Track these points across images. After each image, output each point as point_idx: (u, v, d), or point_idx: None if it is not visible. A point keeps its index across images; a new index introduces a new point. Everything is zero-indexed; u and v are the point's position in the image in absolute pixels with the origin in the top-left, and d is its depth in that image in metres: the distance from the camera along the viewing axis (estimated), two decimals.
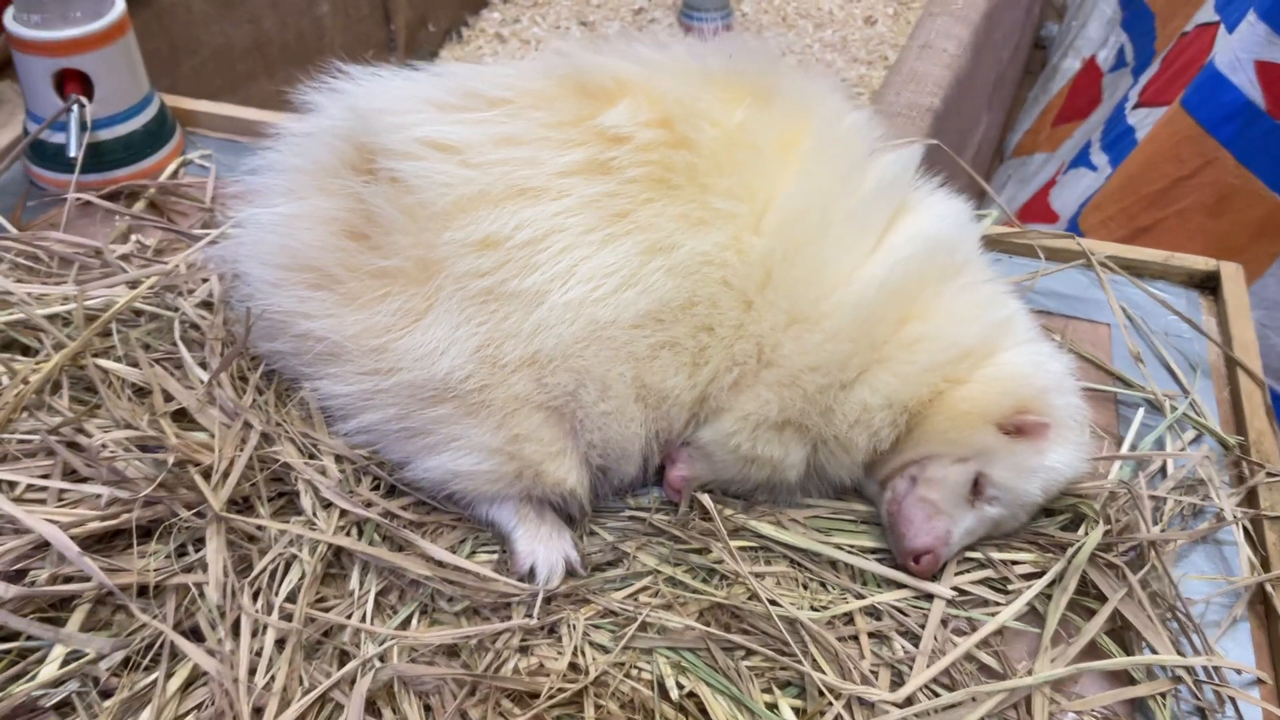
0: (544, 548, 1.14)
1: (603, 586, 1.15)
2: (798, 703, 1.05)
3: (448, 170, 1.10)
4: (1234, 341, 1.46)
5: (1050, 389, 1.18)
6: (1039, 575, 1.16)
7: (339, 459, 1.19)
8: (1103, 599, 1.12)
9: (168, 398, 1.20)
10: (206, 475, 1.11)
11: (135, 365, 1.24)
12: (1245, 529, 1.23)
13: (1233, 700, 1.06)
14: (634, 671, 1.07)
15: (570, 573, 1.15)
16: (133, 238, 1.54)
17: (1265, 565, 1.19)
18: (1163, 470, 1.30)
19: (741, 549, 1.19)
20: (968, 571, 1.18)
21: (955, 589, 1.15)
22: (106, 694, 1.01)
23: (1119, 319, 1.49)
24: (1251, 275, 2.12)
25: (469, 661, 1.07)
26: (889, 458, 1.19)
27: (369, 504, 1.16)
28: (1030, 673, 1.06)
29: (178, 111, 1.80)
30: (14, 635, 1.03)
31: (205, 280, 1.38)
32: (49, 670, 1.01)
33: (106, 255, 1.40)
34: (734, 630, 1.11)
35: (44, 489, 1.13)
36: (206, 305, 1.35)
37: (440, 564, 1.12)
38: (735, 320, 1.13)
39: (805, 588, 1.16)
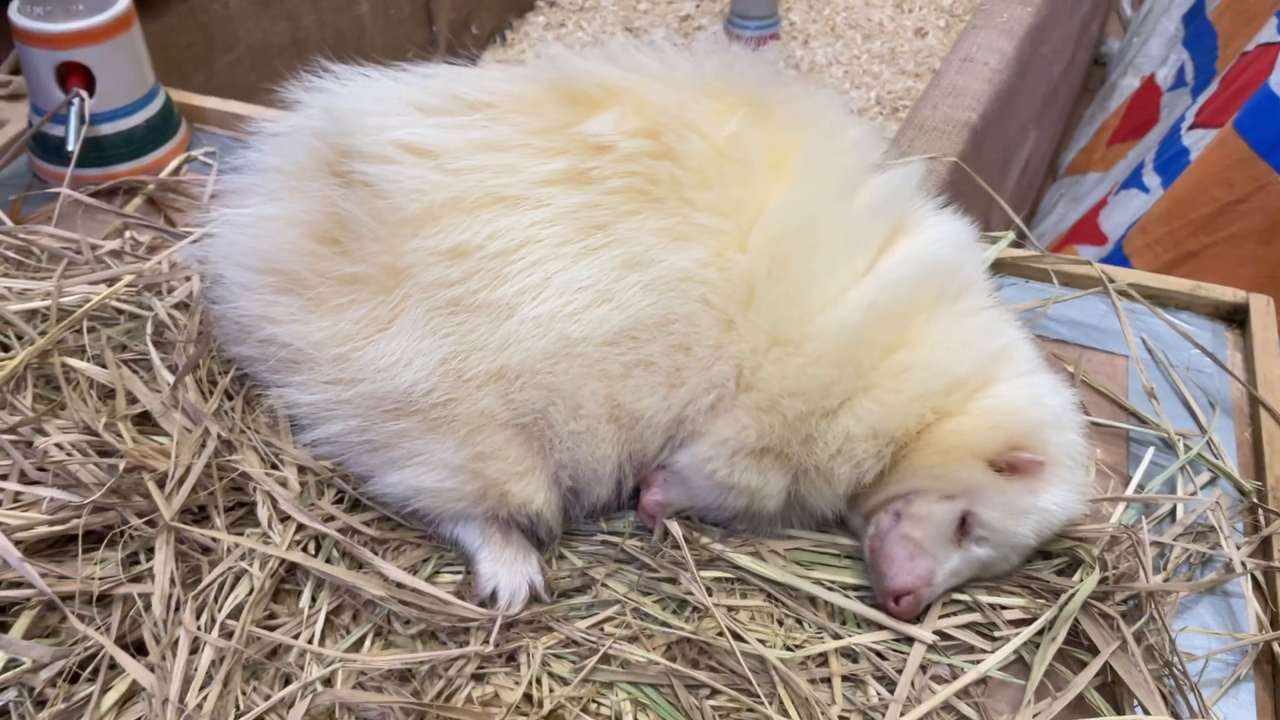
0: (508, 571, 1.10)
1: (568, 614, 1.10)
2: None
3: (421, 175, 1.06)
4: (1259, 379, 1.38)
5: (1047, 424, 1.11)
6: (1029, 622, 1.10)
7: (302, 470, 1.15)
8: (1094, 651, 1.06)
9: (133, 400, 1.17)
10: (162, 482, 1.08)
11: (104, 365, 1.21)
12: (1256, 581, 1.15)
13: None
14: (591, 706, 1.03)
15: (534, 598, 1.10)
16: (127, 234, 1.51)
17: (1275, 622, 1.11)
18: (1172, 514, 1.22)
19: (716, 580, 1.14)
20: (953, 615, 1.12)
21: (938, 633, 1.09)
22: (42, 704, 0.98)
23: (1135, 351, 1.42)
24: None
25: (421, 688, 1.02)
26: (874, 491, 1.13)
27: (329, 518, 1.12)
28: None
29: (185, 108, 1.78)
30: None
31: (188, 279, 1.35)
32: None
33: (85, 251, 1.38)
34: (701, 667, 1.06)
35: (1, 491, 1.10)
36: (185, 306, 1.32)
37: (399, 584, 1.08)
38: (714, 340, 1.08)
39: (781, 624, 1.11)
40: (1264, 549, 1.18)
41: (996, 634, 1.10)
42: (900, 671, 1.05)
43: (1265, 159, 2.45)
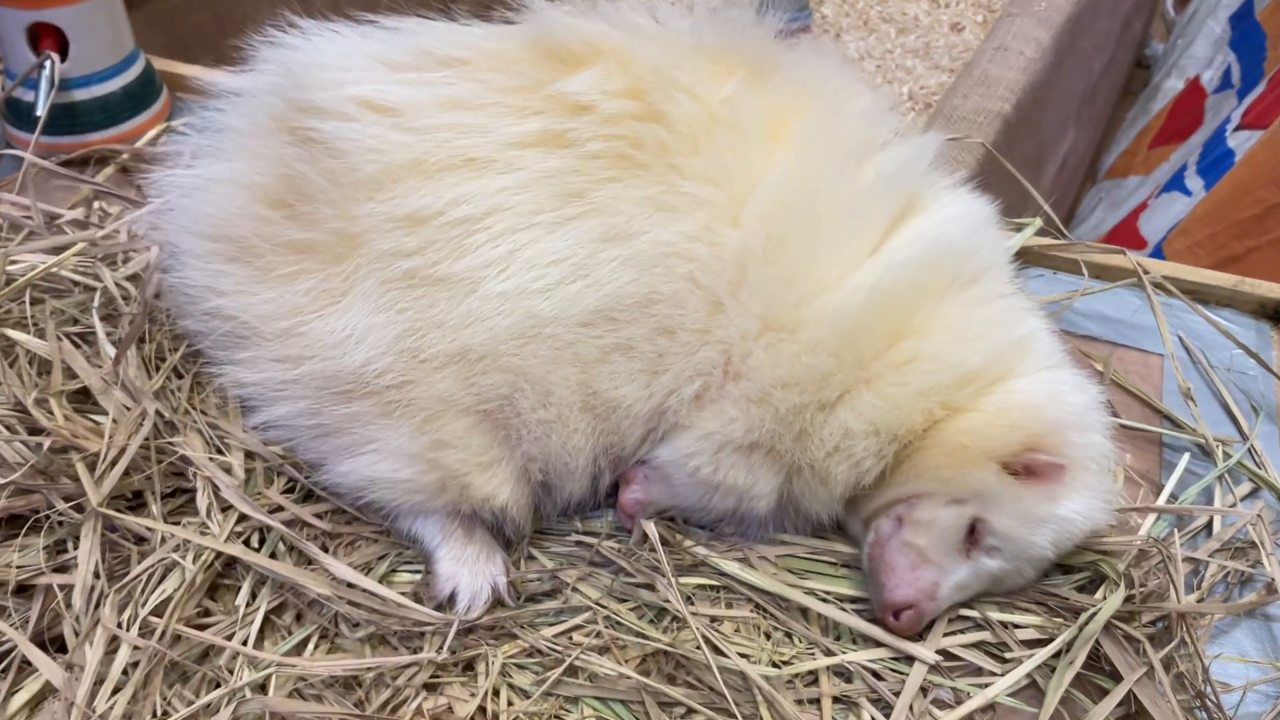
0: (469, 571, 1.01)
1: (533, 620, 1.01)
2: None
3: (380, 134, 0.97)
4: None
5: (1069, 425, 1.00)
6: (1044, 643, 0.99)
7: (251, 456, 1.06)
8: (1117, 677, 0.95)
9: (72, 376, 1.09)
10: (93, 464, 0.99)
11: (44, 337, 1.13)
12: None
13: None
14: None
15: (498, 601, 1.01)
16: (96, 204, 1.43)
17: None
18: (1208, 528, 1.12)
19: (699, 588, 1.04)
20: (960, 632, 1.02)
21: (941, 652, 0.99)
22: None
23: (1170, 349, 1.30)
24: None
25: (365, 697, 0.93)
26: (874, 493, 1.03)
27: (276, 509, 1.03)
28: None
29: (168, 75, 1.70)
30: None
31: (149, 249, 1.26)
32: None
33: (36, 218, 1.29)
34: (677, 682, 0.96)
35: None
36: (139, 278, 1.23)
37: (348, 584, 0.98)
38: (701, 323, 0.98)
39: (768, 637, 1.01)
40: None
41: (1007, 655, 1.00)
42: (898, 694, 0.95)
43: None
